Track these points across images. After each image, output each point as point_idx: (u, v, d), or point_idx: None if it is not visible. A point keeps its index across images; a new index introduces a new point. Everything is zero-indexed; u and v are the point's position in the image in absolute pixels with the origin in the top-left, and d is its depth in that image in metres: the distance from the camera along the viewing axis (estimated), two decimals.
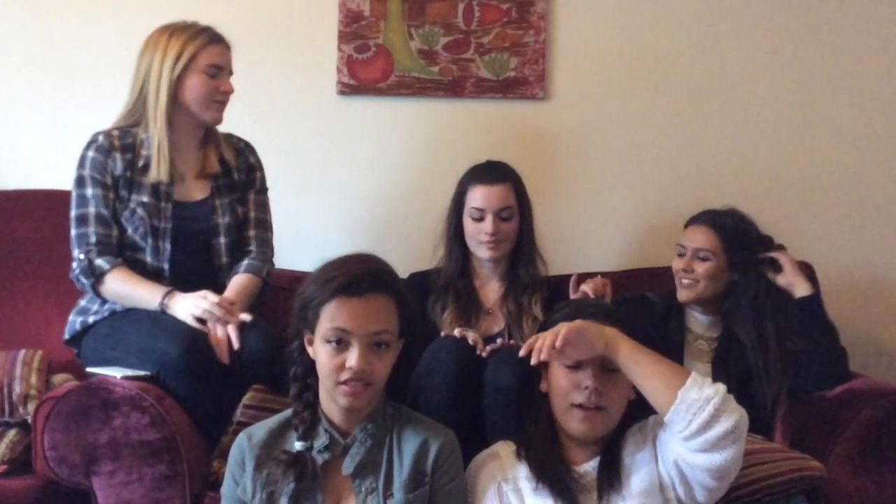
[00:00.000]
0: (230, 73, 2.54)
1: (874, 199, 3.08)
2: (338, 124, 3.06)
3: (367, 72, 3.04)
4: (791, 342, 2.47)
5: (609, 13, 3.06)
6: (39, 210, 2.83)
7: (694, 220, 2.59)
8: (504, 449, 2.03)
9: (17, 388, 2.38)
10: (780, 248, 2.57)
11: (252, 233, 2.60)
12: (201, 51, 2.47)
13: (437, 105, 3.07)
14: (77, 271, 2.43)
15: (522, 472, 1.97)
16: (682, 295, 2.56)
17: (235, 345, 2.27)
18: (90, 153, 2.48)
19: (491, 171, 2.60)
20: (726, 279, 2.53)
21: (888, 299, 3.08)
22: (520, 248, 2.60)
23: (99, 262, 2.41)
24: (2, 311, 2.73)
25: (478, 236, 2.57)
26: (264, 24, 3.02)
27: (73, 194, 2.48)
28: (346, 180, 3.07)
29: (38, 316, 2.74)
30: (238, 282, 2.49)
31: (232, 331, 2.28)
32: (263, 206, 2.64)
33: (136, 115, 2.51)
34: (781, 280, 2.52)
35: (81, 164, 2.48)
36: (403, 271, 2.41)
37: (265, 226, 2.63)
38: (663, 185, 3.09)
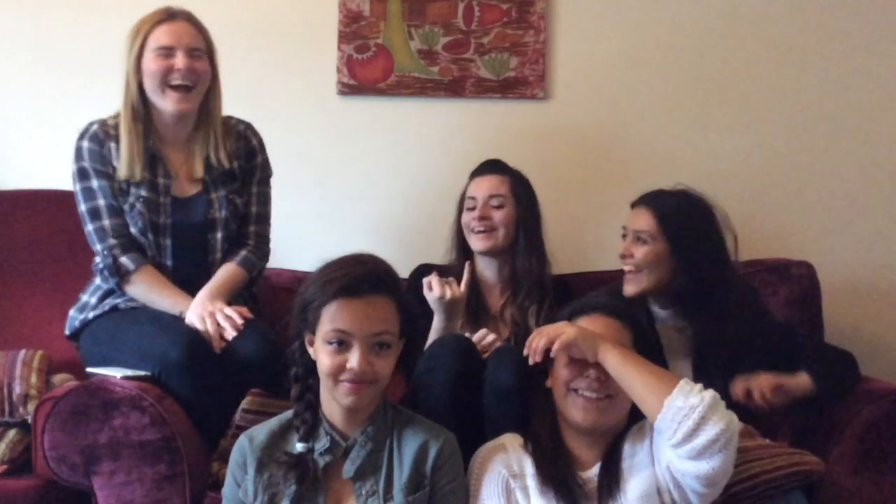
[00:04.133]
0: (192, 51, 2.40)
1: (874, 199, 3.08)
2: (338, 124, 3.06)
3: (367, 72, 3.04)
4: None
5: (609, 13, 3.06)
6: (39, 210, 2.83)
7: (636, 203, 2.46)
8: (511, 442, 2.02)
9: (17, 388, 2.38)
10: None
11: (252, 228, 2.55)
12: (151, 31, 2.39)
13: (437, 105, 3.07)
14: (101, 266, 2.41)
15: (529, 469, 1.97)
16: (627, 289, 2.40)
17: (228, 337, 2.27)
18: (85, 143, 2.44)
19: (487, 164, 2.64)
20: (669, 266, 2.37)
21: (888, 299, 3.08)
22: (517, 243, 2.58)
23: (123, 260, 2.39)
24: (2, 311, 2.73)
25: (470, 224, 2.58)
26: (264, 24, 3.02)
27: (78, 188, 2.44)
28: (345, 180, 3.07)
29: (38, 316, 2.74)
30: (228, 271, 2.44)
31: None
32: (264, 199, 2.58)
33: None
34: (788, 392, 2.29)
35: (79, 156, 2.44)
36: (403, 271, 2.41)
37: (265, 221, 2.59)
38: (663, 185, 3.08)
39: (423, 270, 2.61)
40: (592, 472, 1.97)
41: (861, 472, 2.25)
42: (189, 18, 2.44)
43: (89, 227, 2.43)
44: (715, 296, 2.35)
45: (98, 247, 2.42)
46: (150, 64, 2.39)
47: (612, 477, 1.93)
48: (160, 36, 2.39)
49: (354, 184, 3.07)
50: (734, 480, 2.08)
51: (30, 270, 2.78)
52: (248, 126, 2.59)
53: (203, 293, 2.36)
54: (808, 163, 3.08)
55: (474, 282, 2.62)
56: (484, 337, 2.33)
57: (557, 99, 3.08)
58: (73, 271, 2.73)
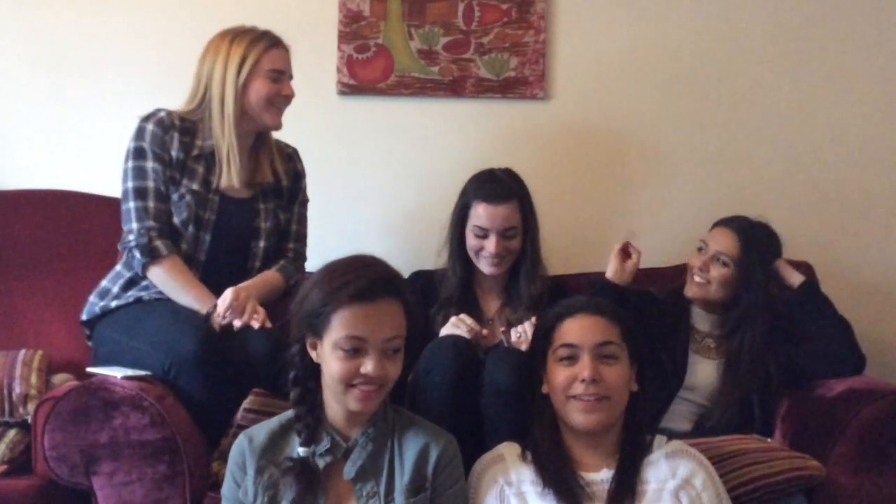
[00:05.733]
0: (290, 77, 2.56)
1: (874, 199, 3.08)
2: (338, 124, 3.06)
3: (367, 72, 3.04)
4: (800, 328, 2.50)
5: (609, 13, 3.06)
6: (39, 210, 2.83)
7: (724, 223, 2.59)
8: (509, 451, 2.01)
9: (17, 388, 2.38)
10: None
11: (292, 245, 2.65)
12: (264, 55, 2.49)
13: (437, 105, 3.07)
14: (132, 244, 2.41)
15: (527, 476, 1.96)
16: (691, 291, 2.58)
17: (237, 323, 2.30)
18: (150, 126, 2.46)
19: (496, 188, 2.54)
20: (735, 291, 2.54)
21: (888, 299, 3.08)
22: (522, 263, 2.58)
23: (158, 243, 2.40)
24: (2, 311, 2.73)
25: (481, 252, 2.55)
26: (264, 24, 3.01)
27: (130, 165, 2.45)
28: (346, 180, 3.06)
29: (38, 316, 2.73)
30: (267, 275, 2.53)
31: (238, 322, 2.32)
32: (304, 220, 2.69)
33: (196, 117, 2.50)
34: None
35: (140, 136, 2.46)
36: (404, 272, 2.40)
37: (304, 240, 2.69)
38: (663, 185, 3.09)
39: (420, 276, 2.62)
40: (598, 476, 1.96)
41: (861, 473, 2.25)
42: (286, 46, 2.56)
43: (130, 205, 2.43)
44: (756, 319, 2.51)
45: (135, 225, 2.42)
46: (264, 85, 2.48)
47: (624, 491, 1.92)
48: (274, 61, 2.50)
49: (354, 184, 3.06)
50: (735, 483, 2.09)
51: (30, 270, 2.77)
52: (295, 151, 2.70)
53: (241, 285, 2.40)
54: (807, 163, 3.08)
55: (473, 286, 2.62)
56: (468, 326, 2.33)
57: (557, 99, 3.08)
58: (73, 271, 2.73)
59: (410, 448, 1.89)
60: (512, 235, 2.54)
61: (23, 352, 2.49)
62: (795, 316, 2.52)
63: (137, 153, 2.45)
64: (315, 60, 3.04)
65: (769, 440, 2.35)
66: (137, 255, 2.40)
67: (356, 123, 3.06)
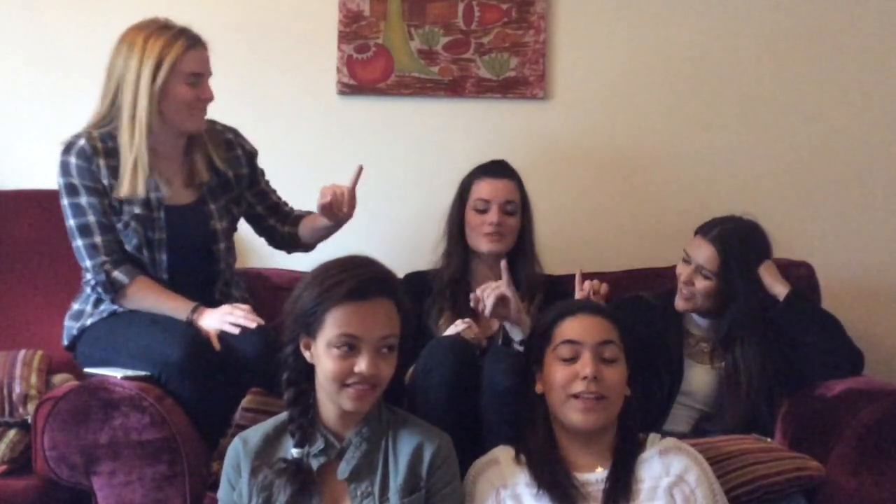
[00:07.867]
0: (209, 75, 2.42)
1: (874, 199, 3.08)
2: (338, 124, 3.06)
3: (367, 72, 3.04)
4: (793, 338, 2.48)
5: (609, 13, 3.06)
6: (39, 210, 2.82)
7: (704, 232, 2.53)
8: (504, 454, 2.01)
9: (17, 388, 2.38)
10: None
11: (288, 208, 2.66)
12: (182, 57, 2.33)
13: (437, 105, 3.07)
14: (93, 283, 2.39)
15: (522, 479, 1.96)
16: (679, 305, 2.54)
17: (235, 330, 2.27)
18: (73, 159, 2.36)
19: (497, 166, 2.64)
20: (724, 298, 2.50)
21: (888, 299, 3.08)
22: (519, 248, 2.61)
23: (116, 274, 2.36)
24: (2, 311, 2.73)
25: (481, 228, 2.57)
26: (265, 24, 3.02)
27: (66, 203, 2.38)
28: (345, 180, 3.06)
29: (38, 316, 2.74)
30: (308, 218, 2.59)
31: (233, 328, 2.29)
32: (272, 189, 2.66)
33: (110, 121, 2.38)
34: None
35: (66, 172, 2.37)
36: (401, 272, 2.41)
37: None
38: (663, 185, 3.09)
39: (415, 277, 2.62)
40: (592, 476, 1.96)
41: (861, 473, 2.25)
42: (204, 44, 2.42)
43: (79, 243, 2.38)
44: (748, 331, 2.47)
45: (88, 263, 2.38)
46: (182, 91, 2.34)
47: (620, 490, 1.92)
48: (191, 64, 2.35)
49: None
50: (735, 483, 2.09)
51: (30, 270, 2.78)
52: (236, 133, 2.57)
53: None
54: (807, 163, 3.08)
55: (469, 277, 2.63)
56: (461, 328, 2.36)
57: (557, 99, 3.08)
58: (73, 271, 2.71)
59: (404, 447, 1.89)
60: (512, 211, 2.58)
61: (23, 352, 2.49)
62: (785, 327, 2.49)
63: (69, 190, 2.37)
64: (315, 60, 3.04)
65: (769, 440, 2.35)
66: (102, 291, 2.38)
67: (356, 123, 3.06)
